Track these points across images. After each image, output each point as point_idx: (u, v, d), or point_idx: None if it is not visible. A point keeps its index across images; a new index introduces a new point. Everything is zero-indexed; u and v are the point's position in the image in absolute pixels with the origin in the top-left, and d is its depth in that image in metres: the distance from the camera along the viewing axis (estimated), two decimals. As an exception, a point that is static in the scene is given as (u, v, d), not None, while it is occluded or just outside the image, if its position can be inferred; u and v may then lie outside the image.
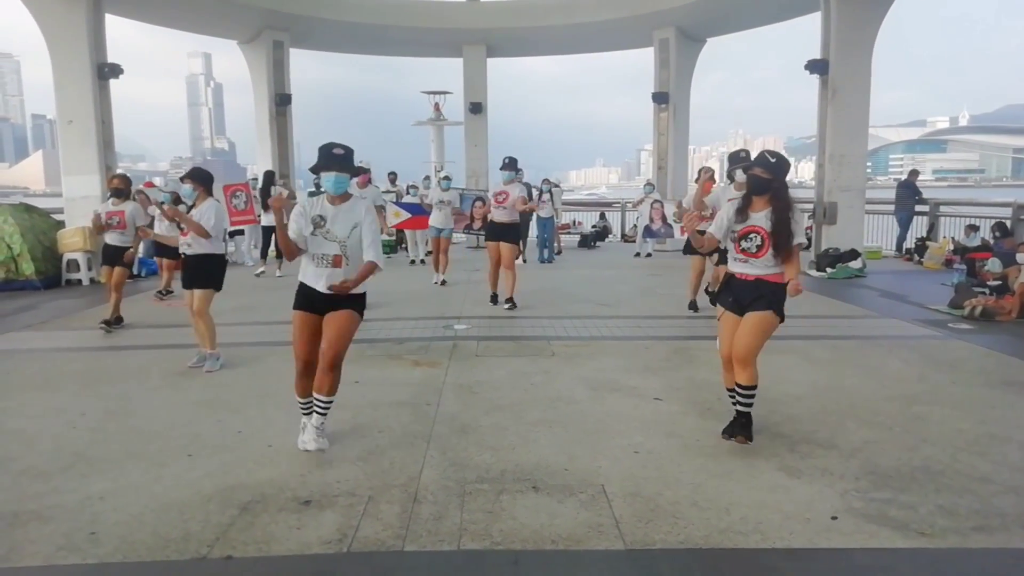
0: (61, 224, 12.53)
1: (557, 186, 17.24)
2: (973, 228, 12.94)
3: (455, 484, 3.78)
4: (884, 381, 5.63)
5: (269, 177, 13.28)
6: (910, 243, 14.65)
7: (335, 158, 4.11)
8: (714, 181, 8.19)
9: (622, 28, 17.28)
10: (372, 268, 4.13)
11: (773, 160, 4.14)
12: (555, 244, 14.88)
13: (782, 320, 4.21)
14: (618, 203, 20.26)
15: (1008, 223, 12.31)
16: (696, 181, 8.42)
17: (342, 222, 4.12)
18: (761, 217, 4.14)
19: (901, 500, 3.53)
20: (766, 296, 4.15)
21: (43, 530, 3.31)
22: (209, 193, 6.31)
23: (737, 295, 4.23)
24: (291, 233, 4.13)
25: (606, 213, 19.74)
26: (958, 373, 5.86)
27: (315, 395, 4.21)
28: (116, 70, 12.82)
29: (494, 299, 9.13)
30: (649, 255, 15.01)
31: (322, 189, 4.26)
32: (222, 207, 6.51)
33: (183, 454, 4.24)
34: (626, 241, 18.08)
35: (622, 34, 17.98)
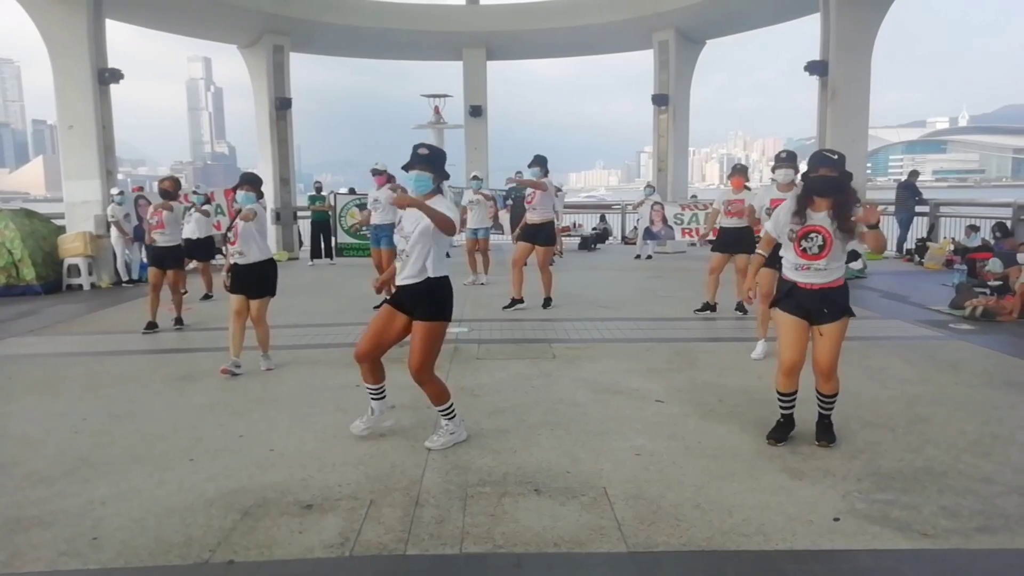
0: (62, 229, 12.55)
1: (560, 190, 17.24)
2: (973, 228, 12.94)
3: (457, 487, 3.77)
4: (886, 382, 5.62)
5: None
6: (911, 244, 14.66)
7: (418, 157, 4.22)
8: (745, 177, 8.27)
9: (621, 30, 17.29)
10: (443, 218, 4.06)
11: (835, 157, 4.02)
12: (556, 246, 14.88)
13: (853, 316, 4.22)
14: (618, 205, 20.27)
15: (1008, 223, 12.31)
16: (728, 178, 8.47)
17: (410, 217, 4.20)
18: (822, 216, 4.02)
19: (904, 501, 3.53)
20: (837, 302, 4.09)
21: (45, 535, 3.31)
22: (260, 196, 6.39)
23: (805, 304, 4.11)
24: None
25: (606, 215, 19.77)
26: (960, 374, 5.85)
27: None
28: (116, 75, 12.86)
29: (513, 303, 8.95)
30: (650, 257, 15.01)
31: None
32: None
33: (185, 458, 4.23)
34: (627, 243, 18.10)
35: (621, 36, 17.99)
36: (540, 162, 9.00)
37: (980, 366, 6.11)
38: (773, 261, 6.66)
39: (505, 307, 8.85)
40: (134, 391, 5.70)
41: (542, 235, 8.91)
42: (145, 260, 11.89)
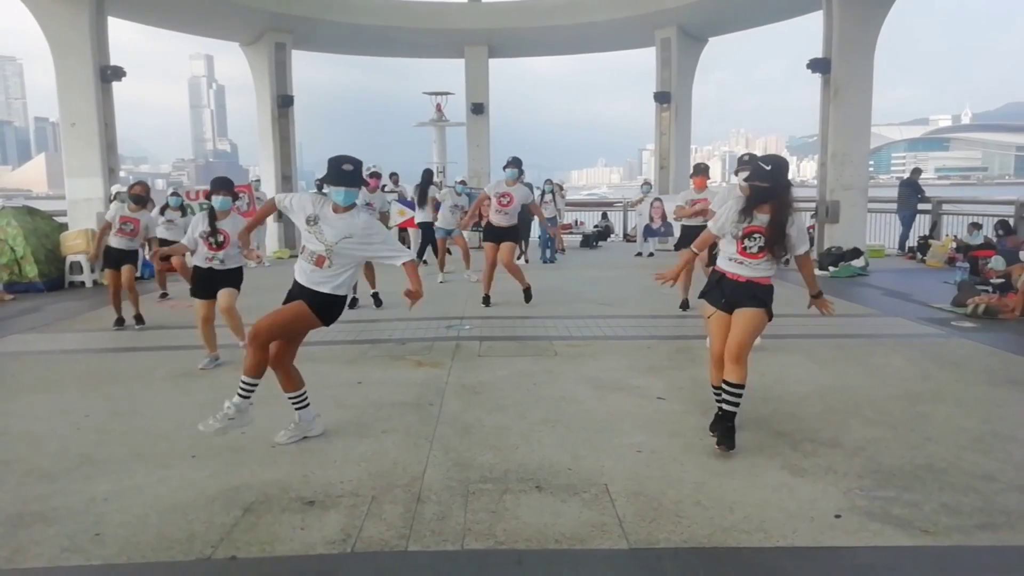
0: (64, 227, 12.56)
1: (561, 188, 17.25)
2: (976, 226, 12.92)
3: (458, 484, 3.78)
4: (888, 379, 5.62)
5: (428, 176, 13.22)
6: (913, 241, 14.64)
7: (344, 175, 4.20)
8: (708, 177, 8.37)
9: (624, 28, 17.26)
10: (414, 266, 4.34)
11: (768, 167, 4.12)
12: (557, 244, 14.87)
13: (771, 318, 4.23)
14: (620, 203, 20.28)
15: (1011, 221, 12.30)
16: (691, 177, 8.57)
17: (335, 229, 4.22)
18: (766, 219, 4.13)
19: (905, 498, 3.53)
20: (758, 296, 4.18)
21: (47, 531, 3.32)
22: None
23: (728, 295, 4.23)
24: (277, 198, 4.68)
25: (608, 213, 19.76)
26: (962, 371, 5.85)
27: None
28: (119, 73, 12.87)
29: (486, 300, 9.05)
30: (652, 254, 15.01)
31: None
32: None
33: (187, 455, 4.24)
34: (628, 241, 18.10)
35: (624, 34, 17.96)
36: (517, 163, 9.00)
37: (982, 364, 6.11)
38: None
39: (526, 301, 9.00)
40: (136, 388, 5.71)
41: (507, 236, 9.00)
42: (148, 258, 11.94)
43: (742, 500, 3.53)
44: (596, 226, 18.68)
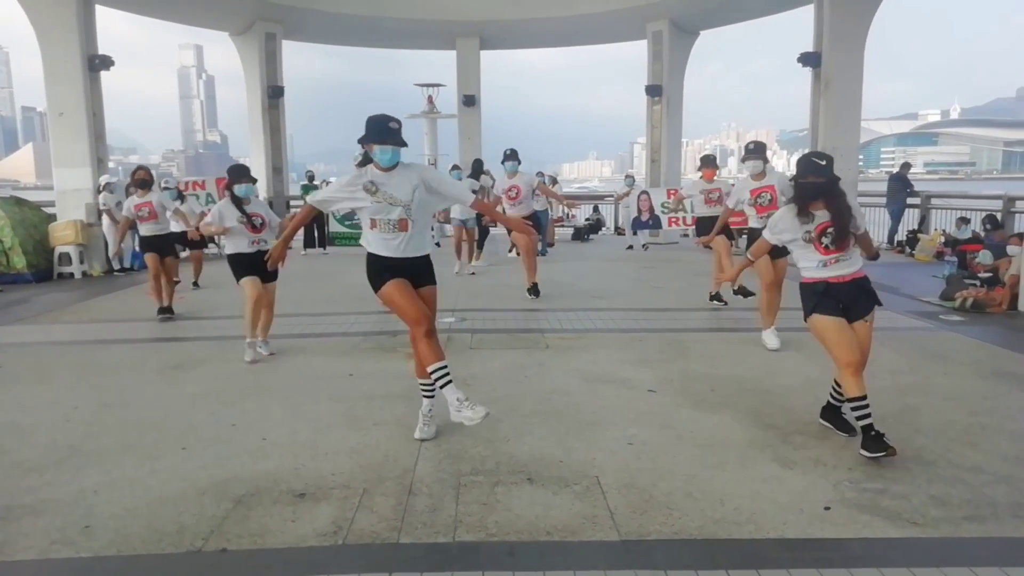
0: (52, 217, 12.47)
1: (555, 180, 17.23)
2: (964, 221, 13.00)
3: (450, 476, 3.78)
4: (876, 372, 5.63)
5: (478, 167, 13.12)
6: (902, 235, 14.71)
7: (391, 132, 4.03)
8: (716, 168, 8.44)
9: (615, 20, 17.24)
10: (479, 202, 4.44)
11: (824, 163, 4.06)
12: (549, 237, 14.88)
13: (881, 304, 4.22)
14: (611, 196, 20.30)
15: (999, 215, 12.37)
16: (698, 169, 8.60)
17: (399, 184, 4.06)
18: (825, 213, 4.04)
19: (894, 490, 3.55)
20: (867, 291, 4.11)
21: (37, 524, 3.30)
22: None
23: (845, 300, 4.08)
24: (311, 200, 4.51)
25: (600, 206, 19.77)
26: (950, 364, 5.89)
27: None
28: (107, 62, 12.75)
29: (534, 290, 9.01)
30: (645, 247, 15.02)
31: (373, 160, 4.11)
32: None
33: (178, 447, 4.23)
34: (619, 234, 18.10)
35: (615, 26, 17.94)
36: (515, 155, 9.09)
37: (970, 357, 6.15)
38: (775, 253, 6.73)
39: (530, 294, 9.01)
40: (126, 380, 5.68)
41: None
42: (137, 249, 11.88)
43: (733, 492, 3.55)
44: (588, 219, 18.69)
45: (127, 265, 12.68)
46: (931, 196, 15.44)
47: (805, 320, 4.21)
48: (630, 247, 15.06)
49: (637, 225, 15.24)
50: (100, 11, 13.11)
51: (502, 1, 17.51)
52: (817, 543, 3.09)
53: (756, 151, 6.77)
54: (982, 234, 12.13)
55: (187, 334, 7.41)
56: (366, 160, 4.15)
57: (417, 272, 4.22)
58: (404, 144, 4.11)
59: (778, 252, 5.80)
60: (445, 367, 4.07)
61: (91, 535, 3.19)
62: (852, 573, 2.83)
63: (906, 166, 16.11)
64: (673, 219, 14.80)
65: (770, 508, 3.38)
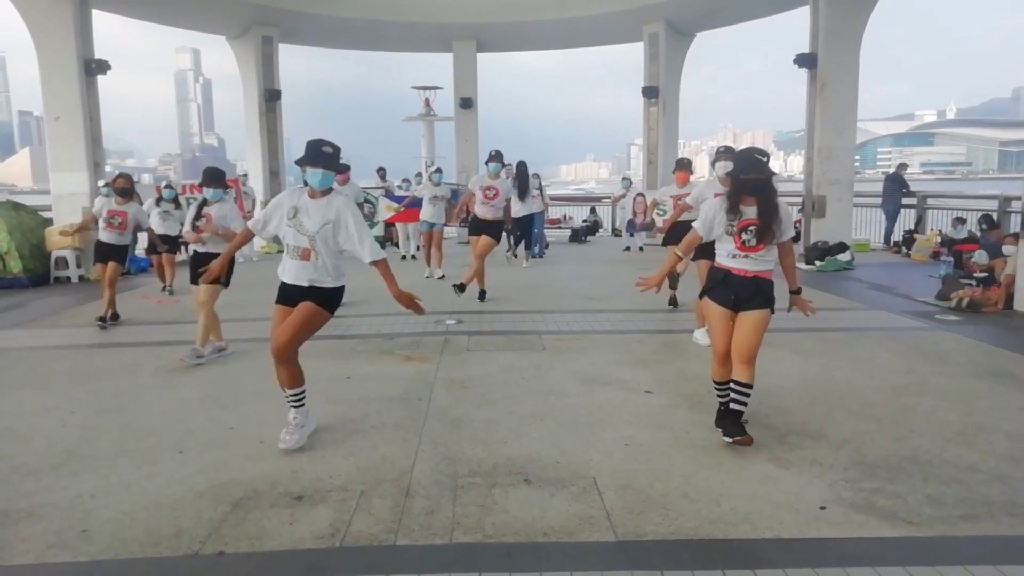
0: (49, 221, 12.46)
1: (539, 186, 17.20)
2: (960, 221, 13.03)
3: (447, 478, 3.79)
4: (873, 373, 5.67)
5: (524, 168, 13.12)
6: (898, 236, 14.75)
7: (323, 156, 4.15)
8: (691, 172, 8.29)
9: (611, 22, 17.28)
10: (386, 266, 4.25)
11: (765, 159, 4.14)
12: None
13: (772, 313, 4.24)
14: (607, 198, 20.32)
15: (995, 215, 12.42)
16: (673, 172, 8.46)
17: (314, 216, 4.16)
18: (754, 211, 4.12)
19: (889, 490, 3.57)
20: (764, 293, 4.16)
21: (34, 528, 3.30)
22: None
23: (737, 292, 4.17)
24: (250, 224, 4.53)
25: (596, 208, 19.79)
26: (946, 364, 5.91)
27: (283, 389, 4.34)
28: (104, 66, 12.75)
29: (482, 296, 9.06)
30: (641, 249, 15.04)
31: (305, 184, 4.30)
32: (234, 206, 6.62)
33: (175, 451, 4.23)
34: (616, 236, 18.12)
35: (612, 28, 17.97)
36: (499, 157, 9.04)
37: (966, 357, 6.17)
38: (705, 253, 6.71)
39: (481, 299, 9.00)
40: (123, 384, 5.68)
41: (492, 230, 9.01)
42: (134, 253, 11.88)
43: (729, 492, 3.56)
44: (585, 221, 18.71)
45: (125, 269, 12.66)
46: (927, 196, 15.49)
47: (700, 297, 4.46)
48: (627, 249, 15.08)
49: (632, 227, 15.28)
50: (97, 15, 13.13)
51: (498, 4, 17.55)
52: (813, 543, 3.10)
53: (728, 152, 6.67)
54: (978, 234, 12.17)
55: (183, 338, 7.40)
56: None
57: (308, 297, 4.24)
58: (335, 169, 4.23)
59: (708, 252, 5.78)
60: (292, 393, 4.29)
61: (88, 539, 3.19)
62: (848, 572, 2.84)
63: (902, 166, 16.17)
64: (666, 221, 14.78)
65: (766, 508, 3.39)
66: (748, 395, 4.17)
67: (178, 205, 10.58)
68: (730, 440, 4.12)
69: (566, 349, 6.56)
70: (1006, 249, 8.99)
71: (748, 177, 4.10)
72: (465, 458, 4.06)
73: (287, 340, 4.17)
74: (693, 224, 4.41)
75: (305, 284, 4.21)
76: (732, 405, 4.20)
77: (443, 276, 10.91)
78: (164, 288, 10.45)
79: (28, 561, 3.04)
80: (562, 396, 5.17)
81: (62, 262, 11.96)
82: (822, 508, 3.38)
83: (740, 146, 6.13)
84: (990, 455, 4.00)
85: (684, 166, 8.27)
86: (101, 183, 12.30)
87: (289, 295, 4.28)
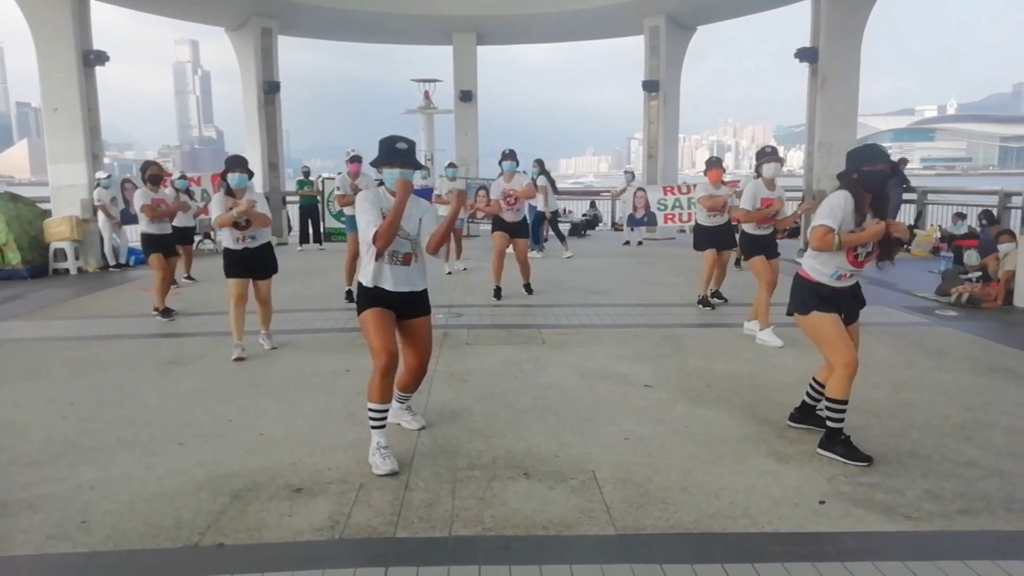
0: (47, 213, 12.43)
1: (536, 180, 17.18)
2: (960, 216, 13.03)
3: (446, 471, 3.79)
4: (872, 368, 5.66)
5: (540, 164, 13.10)
6: (898, 231, 14.73)
7: (399, 153, 3.81)
8: (723, 171, 8.19)
9: (612, 16, 17.21)
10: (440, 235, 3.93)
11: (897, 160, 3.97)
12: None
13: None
14: (607, 192, 20.30)
15: (995, 211, 12.41)
16: (704, 173, 8.37)
17: (409, 218, 3.86)
18: (872, 224, 3.81)
19: (888, 485, 3.57)
20: (858, 297, 4.05)
21: (33, 519, 3.31)
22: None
23: (840, 303, 3.93)
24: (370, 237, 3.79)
25: (596, 202, 19.77)
26: (945, 360, 5.91)
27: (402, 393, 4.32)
28: (102, 57, 12.70)
29: (498, 293, 8.81)
30: (641, 243, 15.04)
31: (381, 184, 3.95)
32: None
33: (174, 443, 4.23)
34: (616, 229, 18.11)
35: (612, 22, 17.90)
36: (513, 155, 8.97)
37: (965, 352, 6.17)
38: (763, 250, 6.69)
39: (527, 292, 8.98)
40: (122, 376, 5.68)
41: (520, 231, 8.97)
42: (132, 245, 11.88)
43: (728, 486, 3.57)
44: (585, 215, 18.69)
45: (123, 261, 12.66)
46: (927, 192, 15.47)
47: (790, 314, 4.09)
48: (627, 243, 15.07)
49: (632, 221, 15.25)
50: (95, 6, 13.05)
51: (499, -4, 17.48)
52: (812, 537, 3.10)
53: (774, 154, 6.60)
54: (978, 229, 12.17)
55: (183, 330, 7.41)
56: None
57: (411, 306, 4.03)
58: (414, 166, 3.88)
59: (773, 252, 5.74)
60: (386, 410, 3.92)
61: (88, 530, 3.20)
62: (847, 567, 2.84)
63: (902, 162, 16.11)
64: (669, 216, 14.79)
65: (765, 502, 3.39)
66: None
67: (191, 196, 10.63)
68: (867, 464, 3.78)
69: (566, 343, 6.56)
70: (1003, 247, 8.97)
71: (875, 169, 3.76)
72: (464, 451, 4.06)
73: (427, 359, 4.20)
74: (820, 220, 3.85)
75: (419, 288, 4.01)
76: (832, 424, 3.90)
77: (465, 268, 10.95)
78: (186, 277, 10.55)
79: (28, 552, 3.04)
80: (561, 390, 5.17)
81: (61, 254, 11.95)
82: (821, 502, 3.39)
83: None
84: (989, 450, 4.01)
85: (715, 165, 8.17)
86: (101, 175, 12.28)
87: (391, 301, 3.90)
